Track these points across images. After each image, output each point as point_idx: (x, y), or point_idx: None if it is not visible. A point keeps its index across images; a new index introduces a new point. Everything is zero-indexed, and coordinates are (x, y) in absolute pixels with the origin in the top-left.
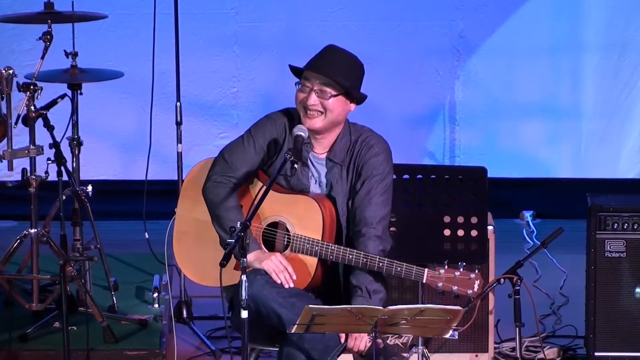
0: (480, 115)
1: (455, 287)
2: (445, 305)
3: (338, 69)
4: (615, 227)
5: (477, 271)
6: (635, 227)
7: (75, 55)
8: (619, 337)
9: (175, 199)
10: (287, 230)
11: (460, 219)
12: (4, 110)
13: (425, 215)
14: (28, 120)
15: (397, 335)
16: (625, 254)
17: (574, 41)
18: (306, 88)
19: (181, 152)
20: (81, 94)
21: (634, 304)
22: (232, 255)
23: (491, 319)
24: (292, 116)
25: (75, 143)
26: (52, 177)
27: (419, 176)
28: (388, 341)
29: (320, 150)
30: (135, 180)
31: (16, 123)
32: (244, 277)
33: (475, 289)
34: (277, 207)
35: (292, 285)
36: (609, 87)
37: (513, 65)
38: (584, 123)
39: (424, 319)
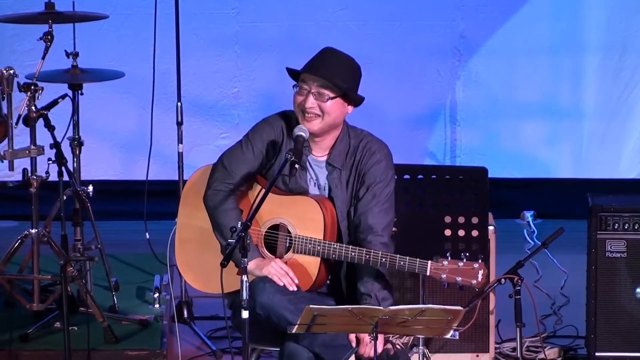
0: (481, 116)
1: (459, 278)
2: (448, 302)
3: (336, 71)
4: (616, 227)
5: (480, 261)
6: (636, 228)
7: (76, 55)
8: (619, 338)
9: (176, 199)
10: (289, 232)
11: (461, 219)
12: (5, 111)
13: (426, 216)
14: (29, 121)
15: (397, 336)
16: (626, 254)
17: (574, 41)
18: (304, 91)
19: (182, 152)
20: (82, 94)
21: (634, 304)
22: (233, 259)
23: (492, 319)
24: (290, 119)
25: (76, 143)
26: (53, 177)
27: (420, 176)
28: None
29: (318, 152)
30: (136, 181)
31: (17, 123)
32: (244, 277)
33: (480, 279)
34: (276, 209)
35: (295, 288)
36: (609, 87)
37: (514, 65)
38: (585, 123)
39: (424, 319)
